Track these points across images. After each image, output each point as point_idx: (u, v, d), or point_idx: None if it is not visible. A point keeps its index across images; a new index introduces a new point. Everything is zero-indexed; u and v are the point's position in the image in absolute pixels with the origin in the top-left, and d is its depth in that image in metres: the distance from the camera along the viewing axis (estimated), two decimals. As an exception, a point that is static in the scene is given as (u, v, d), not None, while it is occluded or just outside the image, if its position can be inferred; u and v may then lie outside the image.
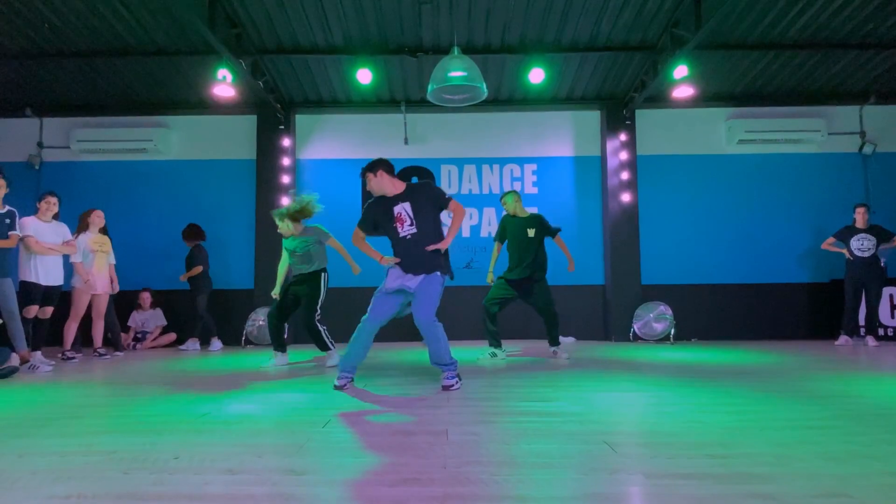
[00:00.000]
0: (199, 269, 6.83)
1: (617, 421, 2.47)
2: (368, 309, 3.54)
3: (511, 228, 5.23)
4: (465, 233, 8.06)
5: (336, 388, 3.48)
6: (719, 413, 2.58)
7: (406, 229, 3.50)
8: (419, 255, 3.47)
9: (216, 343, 6.88)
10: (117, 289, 6.21)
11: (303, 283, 5.00)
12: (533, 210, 7.17)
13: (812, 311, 7.78)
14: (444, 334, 3.48)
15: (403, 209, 3.51)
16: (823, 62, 7.12)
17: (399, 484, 1.60)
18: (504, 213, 5.42)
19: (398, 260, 3.52)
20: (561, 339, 5.47)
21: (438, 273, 3.50)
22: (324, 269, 5.07)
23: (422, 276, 3.47)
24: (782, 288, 7.81)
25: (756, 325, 7.75)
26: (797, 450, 1.91)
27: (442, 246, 3.50)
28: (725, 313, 7.78)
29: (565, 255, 5.39)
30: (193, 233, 7.01)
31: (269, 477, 1.68)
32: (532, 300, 5.20)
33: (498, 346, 5.20)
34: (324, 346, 4.97)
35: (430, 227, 3.52)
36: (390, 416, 2.59)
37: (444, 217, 3.65)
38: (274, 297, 5.20)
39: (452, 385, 3.42)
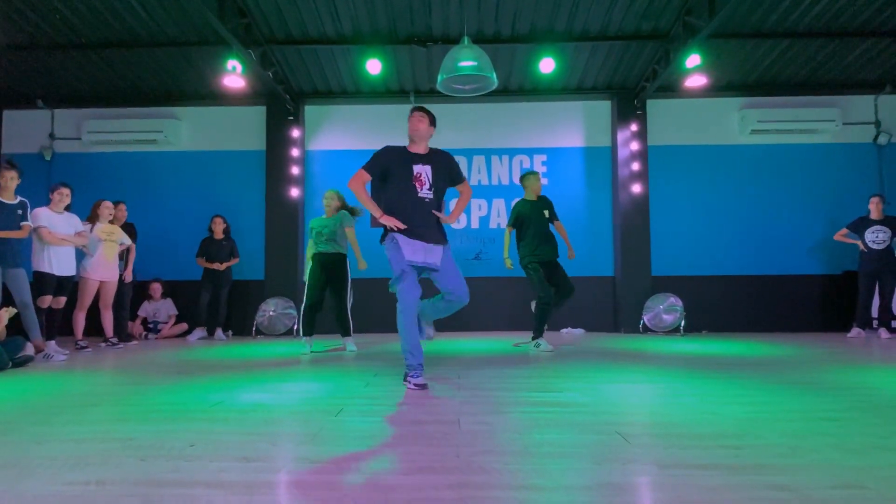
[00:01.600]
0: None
1: (629, 412, 2.46)
2: (400, 296, 3.22)
3: (528, 212, 5.26)
4: (475, 224, 8.05)
5: (420, 386, 3.08)
6: (732, 404, 2.57)
7: (424, 192, 3.33)
8: (433, 219, 3.33)
9: (197, 332, 6.96)
10: (130, 278, 6.27)
11: (330, 270, 5.28)
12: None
13: (824, 303, 7.71)
14: None
15: (424, 171, 3.34)
16: (838, 51, 7.01)
17: (413, 472, 1.60)
18: (515, 201, 5.44)
19: (403, 226, 3.23)
20: (570, 330, 5.49)
21: (448, 246, 3.43)
22: (346, 255, 5.39)
23: (441, 250, 3.31)
24: (794, 280, 7.75)
25: (767, 317, 7.70)
26: (811, 441, 1.90)
27: (450, 220, 3.39)
28: (736, 305, 7.74)
29: (565, 241, 5.42)
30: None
31: (284, 465, 1.69)
32: (556, 279, 5.24)
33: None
34: (346, 331, 5.31)
35: (440, 196, 3.42)
36: (402, 406, 2.59)
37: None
38: (305, 281, 5.42)
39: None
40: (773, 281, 7.76)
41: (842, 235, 6.93)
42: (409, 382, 3.13)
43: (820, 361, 4.21)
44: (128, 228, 6.66)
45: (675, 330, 7.27)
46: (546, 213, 5.26)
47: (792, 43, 6.84)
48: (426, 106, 3.60)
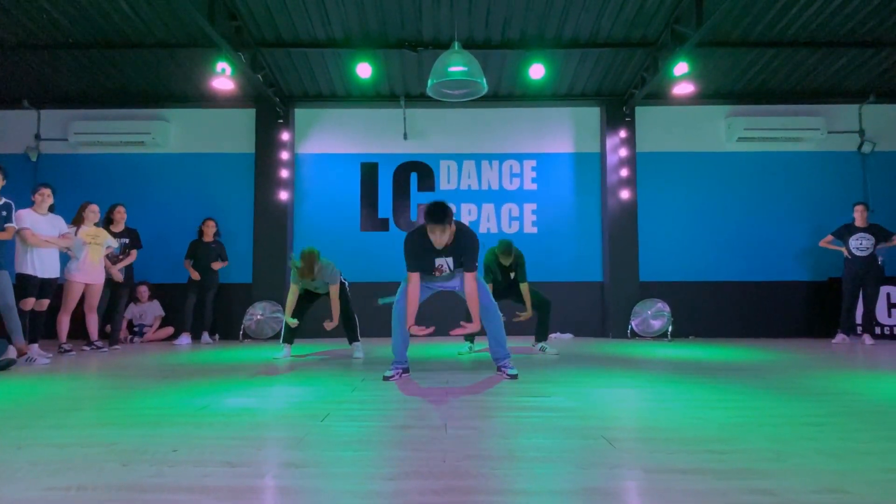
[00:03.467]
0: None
1: (615, 416, 2.47)
2: (401, 291, 3.70)
3: (494, 267, 5.34)
4: (464, 228, 8.05)
5: (386, 378, 3.58)
6: (717, 409, 2.59)
7: (443, 278, 3.78)
8: (448, 278, 3.82)
9: (184, 338, 6.88)
10: (119, 278, 6.23)
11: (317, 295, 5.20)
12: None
13: (810, 309, 7.80)
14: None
15: (445, 262, 3.65)
16: (823, 60, 7.12)
17: (399, 477, 1.60)
18: (489, 256, 5.37)
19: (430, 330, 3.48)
20: (559, 335, 5.54)
21: None
22: (343, 283, 5.14)
23: (458, 280, 3.79)
24: (780, 286, 7.83)
25: (754, 323, 7.77)
26: (795, 446, 1.92)
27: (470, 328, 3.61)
28: (723, 311, 7.80)
29: (525, 301, 5.39)
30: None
31: (268, 470, 1.68)
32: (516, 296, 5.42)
33: (471, 340, 5.54)
34: (353, 336, 5.21)
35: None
36: (389, 410, 2.59)
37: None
38: (290, 324, 4.96)
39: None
40: (759, 287, 7.84)
41: (827, 242, 7.02)
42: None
43: (805, 367, 4.25)
44: (130, 234, 6.60)
45: (662, 335, 7.32)
46: (512, 275, 5.35)
47: (778, 52, 6.94)
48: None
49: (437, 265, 3.63)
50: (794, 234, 7.91)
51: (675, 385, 3.34)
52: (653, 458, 1.77)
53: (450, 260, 3.64)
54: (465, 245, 3.57)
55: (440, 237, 3.43)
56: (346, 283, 5.29)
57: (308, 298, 5.18)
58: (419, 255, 3.58)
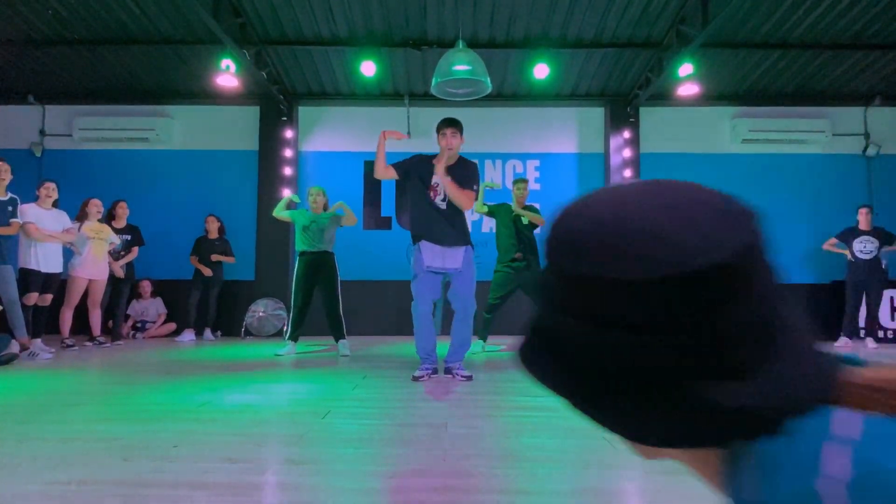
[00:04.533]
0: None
1: (616, 417, 2.47)
2: (415, 293, 3.59)
3: (499, 213, 5.49)
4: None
5: (415, 378, 3.45)
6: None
7: (438, 201, 3.60)
8: (451, 224, 3.58)
9: (187, 334, 6.88)
10: (121, 274, 6.25)
11: (317, 269, 5.18)
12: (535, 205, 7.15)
13: (812, 312, 7.65)
14: None
15: (440, 184, 3.60)
16: (829, 63, 7.09)
17: (400, 475, 1.60)
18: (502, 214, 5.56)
19: (402, 135, 3.62)
20: None
21: (472, 248, 3.67)
22: (333, 253, 5.31)
23: (462, 254, 3.57)
24: (783, 288, 7.79)
25: (756, 325, 7.74)
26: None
27: (438, 170, 3.55)
28: (725, 312, 7.77)
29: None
30: None
31: (268, 466, 1.68)
32: (528, 289, 5.40)
33: (483, 338, 5.53)
34: (340, 334, 5.16)
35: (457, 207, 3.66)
36: (391, 409, 2.59)
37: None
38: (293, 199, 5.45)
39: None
40: (762, 289, 7.80)
41: (830, 245, 7.00)
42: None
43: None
44: (132, 230, 6.62)
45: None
46: (525, 219, 5.38)
47: (783, 54, 6.91)
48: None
49: (433, 183, 3.60)
50: (798, 236, 7.88)
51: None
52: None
53: (447, 179, 3.58)
54: (459, 168, 3.65)
55: (451, 138, 3.54)
56: (339, 280, 5.29)
57: (311, 285, 5.20)
58: (416, 164, 3.67)
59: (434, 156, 3.67)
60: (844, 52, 6.79)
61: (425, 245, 3.55)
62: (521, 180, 5.63)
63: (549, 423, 2.29)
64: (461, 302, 3.60)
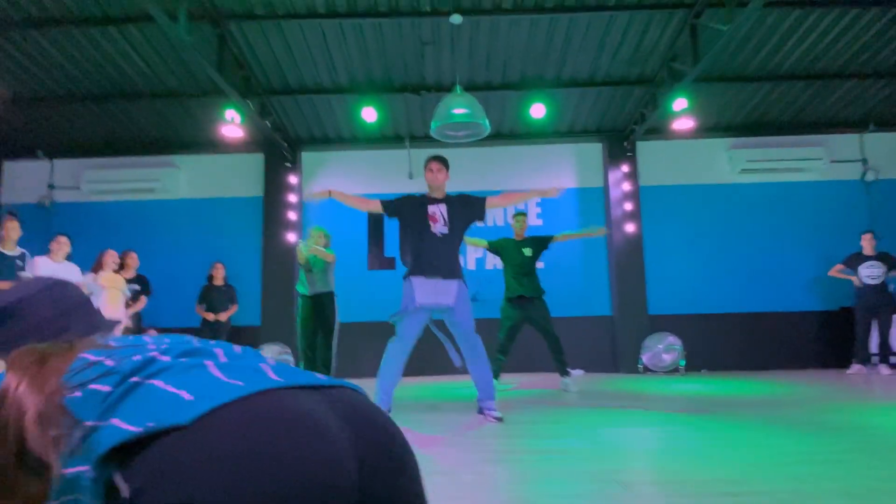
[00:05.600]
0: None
1: (629, 458, 2.43)
2: (399, 331, 3.53)
3: (505, 248, 5.53)
4: (471, 265, 8.07)
5: None
6: (732, 447, 2.54)
7: (438, 228, 3.60)
8: (448, 255, 3.58)
9: None
10: (129, 324, 6.27)
11: (320, 311, 5.23)
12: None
13: (822, 339, 7.69)
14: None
15: (439, 210, 3.65)
16: (821, 92, 7.22)
17: (410, 528, 1.57)
18: (499, 240, 5.69)
19: (329, 193, 3.68)
20: (570, 371, 5.47)
21: (465, 283, 3.62)
22: (333, 293, 5.38)
23: (455, 288, 3.52)
24: (791, 317, 7.74)
25: (766, 355, 7.65)
26: (814, 486, 1.88)
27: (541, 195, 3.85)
28: (735, 343, 7.70)
29: (572, 236, 5.73)
30: None
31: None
32: (536, 321, 5.36)
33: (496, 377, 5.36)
34: (328, 373, 5.17)
35: (459, 235, 3.69)
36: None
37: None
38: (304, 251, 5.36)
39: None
40: (770, 318, 7.75)
41: (837, 271, 6.98)
42: None
43: (820, 400, 4.17)
44: (141, 280, 6.68)
45: (674, 370, 7.22)
46: (528, 251, 5.43)
47: (775, 85, 7.05)
48: (426, 152, 3.89)
49: (430, 212, 3.61)
50: (802, 263, 7.86)
51: (688, 422, 3.28)
52: (667, 502, 1.74)
53: (443, 207, 3.64)
54: (457, 198, 3.74)
55: (437, 174, 3.68)
56: (338, 322, 5.33)
57: (315, 327, 5.22)
58: (407, 202, 3.71)
59: (424, 195, 3.75)
60: (835, 80, 6.94)
61: (417, 281, 3.51)
62: (520, 213, 5.72)
63: (561, 467, 2.26)
64: (464, 339, 3.58)
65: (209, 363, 0.72)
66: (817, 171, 7.94)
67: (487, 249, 5.71)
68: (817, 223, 7.92)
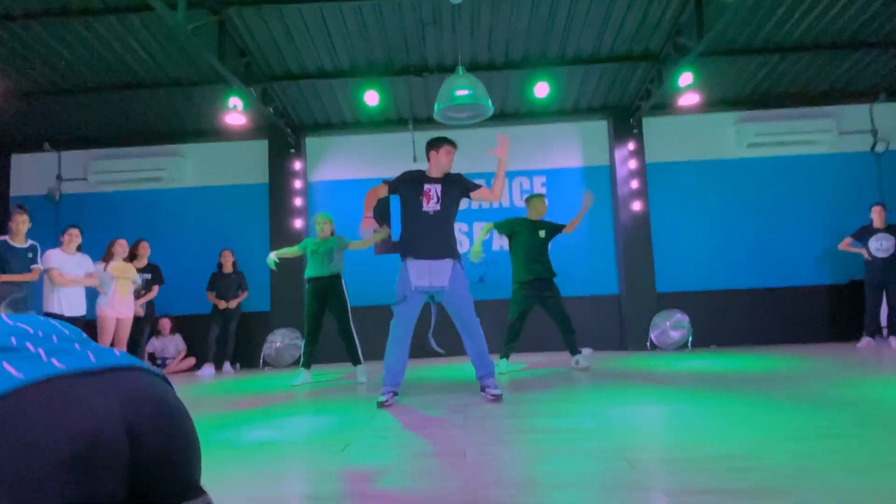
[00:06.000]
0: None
1: (636, 436, 2.45)
2: (396, 314, 3.58)
3: (521, 228, 5.43)
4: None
5: (380, 405, 3.43)
6: (739, 423, 2.56)
7: (430, 206, 3.64)
8: (440, 233, 3.61)
9: (207, 369, 6.92)
10: (140, 312, 6.36)
11: (325, 296, 5.19)
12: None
13: (832, 313, 7.67)
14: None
15: (434, 189, 3.68)
16: (830, 62, 7.10)
17: (419, 509, 1.61)
18: (511, 219, 5.61)
19: (382, 234, 3.71)
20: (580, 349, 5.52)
21: (460, 263, 3.64)
22: (341, 275, 5.32)
23: (450, 269, 3.55)
24: (801, 291, 7.71)
25: (775, 330, 7.65)
26: (820, 461, 1.89)
27: (500, 155, 3.73)
28: (744, 319, 7.70)
29: (576, 217, 5.59)
30: None
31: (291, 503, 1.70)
32: (548, 304, 5.33)
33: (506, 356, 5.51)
34: (356, 359, 5.16)
35: (452, 211, 3.71)
36: (408, 438, 2.60)
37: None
38: (271, 265, 5.38)
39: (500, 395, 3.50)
40: (779, 293, 7.73)
41: (846, 245, 6.93)
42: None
43: (829, 374, 4.18)
44: (153, 269, 6.75)
45: (683, 346, 7.23)
46: (542, 233, 5.38)
47: (783, 57, 6.93)
48: (429, 134, 3.98)
49: (425, 190, 3.66)
50: (811, 237, 7.81)
51: (696, 400, 3.30)
52: (675, 480, 1.76)
53: (438, 187, 3.68)
54: (454, 176, 3.78)
55: (446, 156, 3.73)
56: (349, 305, 5.29)
57: (320, 310, 5.21)
58: (407, 178, 3.74)
59: (423, 172, 3.80)
60: (845, 51, 6.81)
61: (411, 263, 3.57)
62: (539, 195, 5.62)
63: (567, 446, 2.29)
64: (461, 319, 3.62)
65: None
66: (826, 144, 7.85)
67: (497, 231, 5.61)
68: (826, 196, 7.84)
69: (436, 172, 3.76)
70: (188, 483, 1.02)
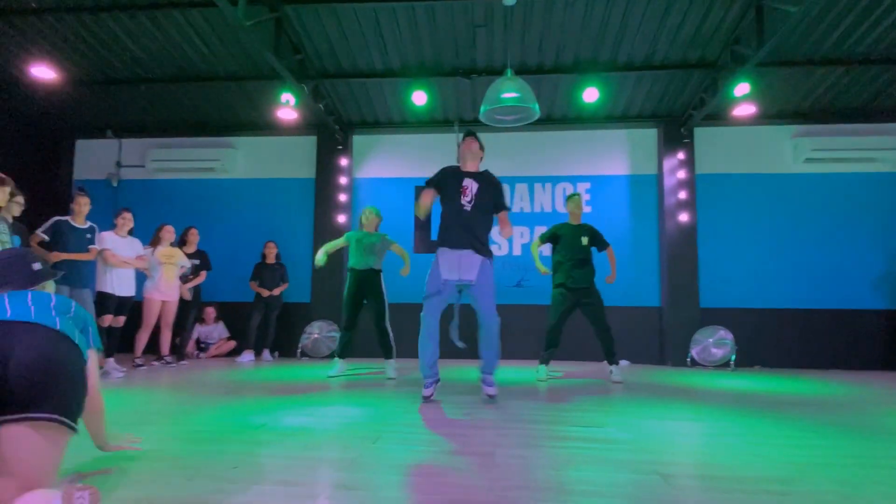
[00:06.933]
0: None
1: (670, 450, 2.40)
2: (426, 307, 3.68)
3: (564, 233, 5.39)
4: (517, 250, 8.04)
5: (425, 398, 3.66)
6: (781, 446, 2.47)
7: (465, 202, 3.71)
8: (474, 229, 3.68)
9: (246, 355, 7.07)
10: (188, 296, 6.59)
11: (363, 285, 5.28)
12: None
13: (889, 339, 7.28)
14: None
15: (471, 184, 3.75)
16: (898, 77, 6.75)
17: (446, 504, 1.62)
18: (556, 226, 5.57)
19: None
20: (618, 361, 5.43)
21: (490, 261, 3.71)
22: (380, 272, 5.42)
23: (479, 265, 3.62)
24: (855, 314, 7.36)
25: (826, 354, 7.32)
26: (863, 490, 1.81)
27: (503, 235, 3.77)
28: (792, 340, 7.40)
29: (611, 266, 5.54)
30: None
31: (321, 490, 1.74)
32: (589, 310, 5.27)
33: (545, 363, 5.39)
34: (388, 352, 5.25)
35: (485, 210, 3.76)
36: (438, 436, 2.61)
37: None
38: (321, 263, 5.32)
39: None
40: (832, 315, 7.39)
41: (907, 269, 6.58)
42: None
43: (880, 403, 3.98)
44: (201, 256, 6.99)
45: (724, 364, 7.01)
46: (585, 239, 5.32)
47: (848, 70, 6.64)
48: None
49: (464, 184, 3.73)
50: (870, 259, 7.44)
51: (735, 419, 3.20)
52: (707, 497, 1.72)
53: (474, 184, 3.73)
54: (490, 178, 3.83)
55: (471, 144, 3.83)
56: (387, 302, 5.35)
57: (359, 299, 5.30)
58: (446, 174, 3.81)
59: (455, 168, 3.90)
60: (914, 66, 6.46)
61: (443, 253, 3.67)
62: (574, 194, 5.61)
63: (600, 455, 2.26)
64: (482, 317, 3.66)
65: None
66: (890, 162, 7.46)
67: (545, 241, 5.57)
68: (887, 217, 7.46)
69: (470, 166, 3.84)
70: (41, 406, 1.42)
